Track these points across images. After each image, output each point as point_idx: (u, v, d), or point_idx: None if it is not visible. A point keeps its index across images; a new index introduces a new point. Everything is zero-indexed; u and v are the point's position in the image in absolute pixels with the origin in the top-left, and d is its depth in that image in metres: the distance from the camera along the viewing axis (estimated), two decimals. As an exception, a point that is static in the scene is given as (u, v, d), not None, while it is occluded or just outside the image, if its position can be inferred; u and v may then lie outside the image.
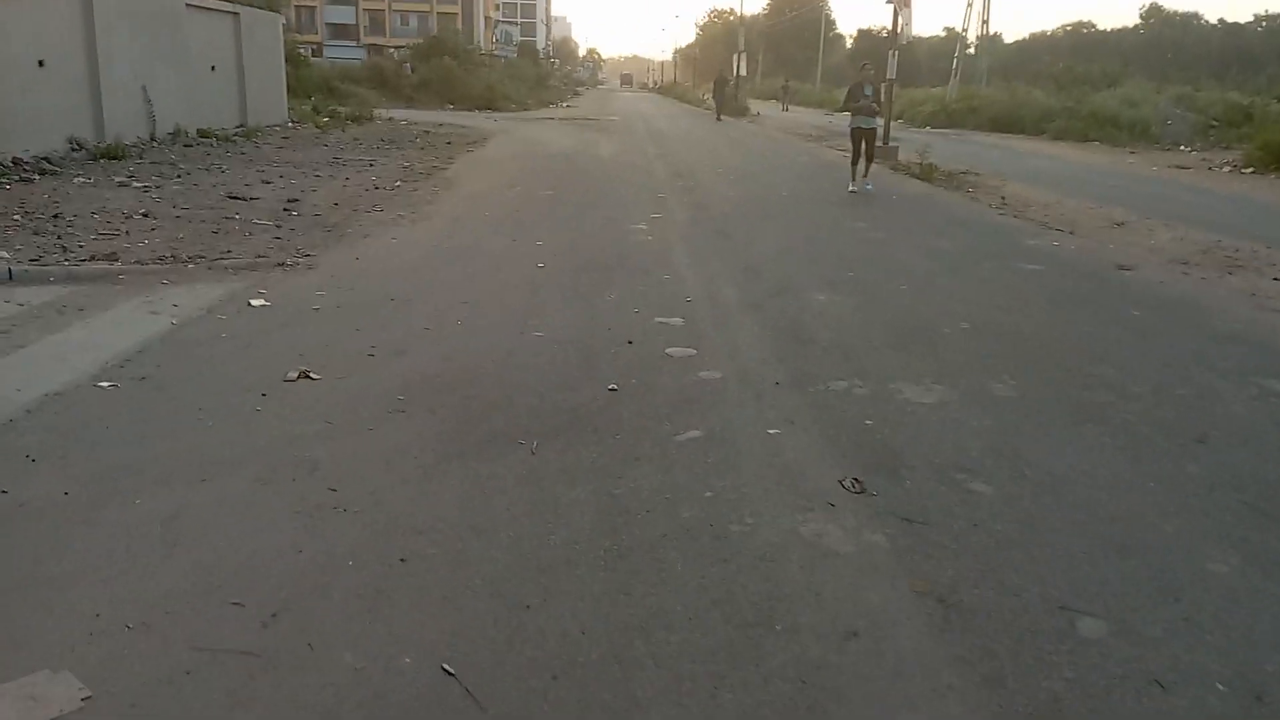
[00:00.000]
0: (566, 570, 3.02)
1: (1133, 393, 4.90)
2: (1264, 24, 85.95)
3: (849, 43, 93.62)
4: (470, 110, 35.07)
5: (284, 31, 27.99)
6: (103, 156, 13.59)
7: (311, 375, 4.83)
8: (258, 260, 7.60)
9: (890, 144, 18.83)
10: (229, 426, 4.13)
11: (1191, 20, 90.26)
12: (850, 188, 13.46)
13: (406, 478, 3.67)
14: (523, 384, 4.80)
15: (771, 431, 4.25)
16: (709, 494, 3.59)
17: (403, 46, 54.12)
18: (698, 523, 3.35)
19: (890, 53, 18.87)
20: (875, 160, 18.24)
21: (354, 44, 75.64)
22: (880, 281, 7.47)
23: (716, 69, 45.12)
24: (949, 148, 20.99)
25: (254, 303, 6.29)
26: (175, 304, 6.15)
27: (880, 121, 13.93)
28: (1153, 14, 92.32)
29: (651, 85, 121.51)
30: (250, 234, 8.89)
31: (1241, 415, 4.63)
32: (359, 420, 4.26)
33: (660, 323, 6.09)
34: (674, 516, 3.39)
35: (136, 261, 7.38)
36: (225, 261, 7.49)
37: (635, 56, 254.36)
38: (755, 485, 3.68)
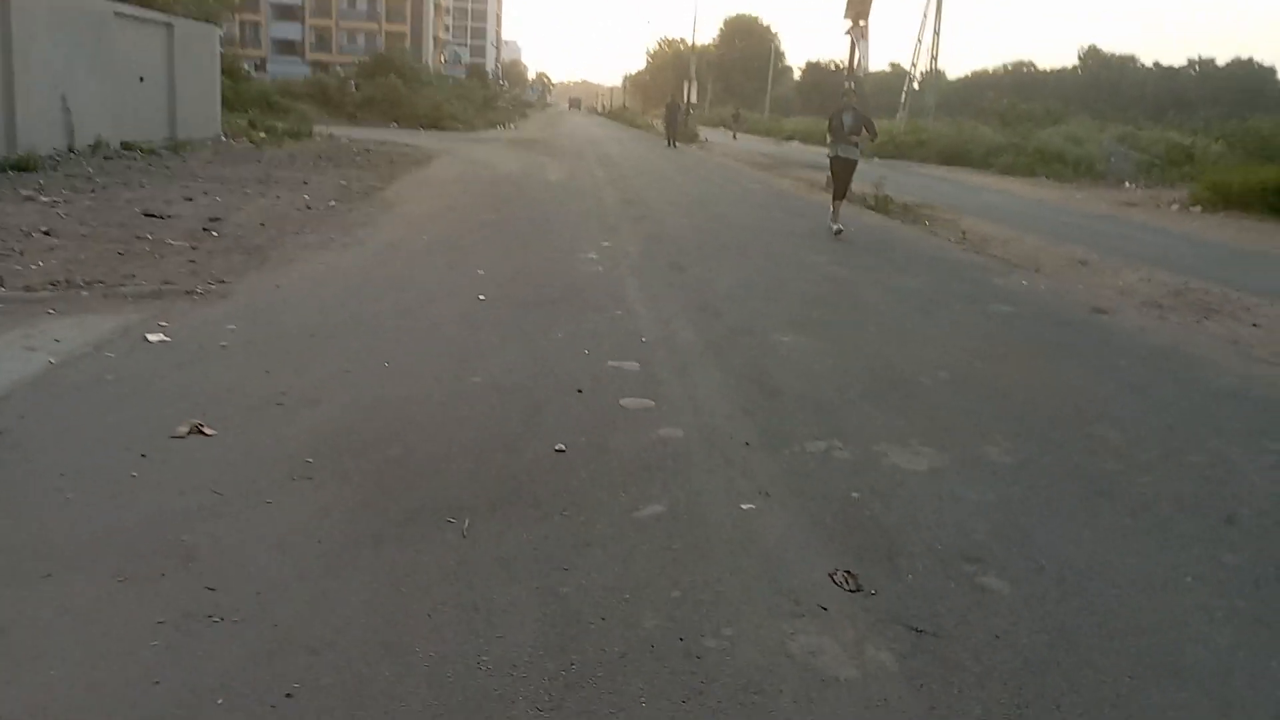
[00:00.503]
0: (501, 709, 2.36)
1: (1141, 460, 4.39)
2: (1197, 68, 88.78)
3: (797, 74, 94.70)
4: (416, 129, 34.28)
5: (223, 45, 27.08)
6: (12, 168, 12.62)
7: (205, 430, 4.11)
8: (164, 287, 6.82)
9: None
10: (93, 499, 3.40)
11: (1128, 63, 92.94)
12: (833, 226, 12.11)
13: (305, 571, 2.98)
14: (455, 442, 4.14)
15: (745, 506, 3.64)
16: (676, 593, 2.97)
17: (350, 64, 53.15)
18: (664, 635, 2.72)
19: (847, 84, 18.57)
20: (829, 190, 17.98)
21: (299, 60, 74.38)
22: (848, 323, 6.95)
23: (666, 96, 44.95)
24: (900, 179, 20.78)
25: (151, 338, 5.53)
26: (58, 339, 5.37)
27: (860, 153, 12.66)
28: (1091, 55, 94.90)
29: (600, 110, 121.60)
30: (161, 256, 8.10)
31: (1264, 488, 4.15)
32: (255, 490, 3.55)
33: (613, 367, 5.47)
34: (635, 626, 2.76)
35: (24, 287, 6.57)
36: (126, 288, 6.70)
37: (584, 81, 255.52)
38: (731, 580, 3.07)
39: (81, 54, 15.32)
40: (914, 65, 40.88)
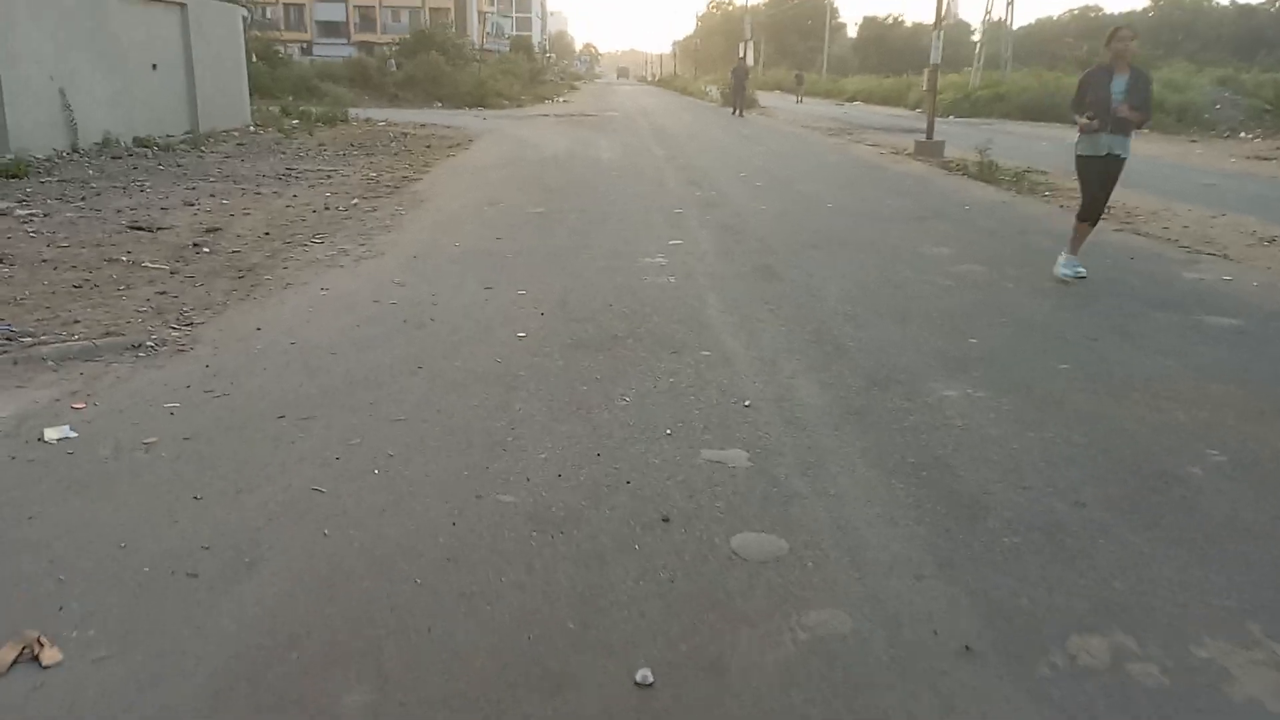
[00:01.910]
0: None
1: None
2: (1277, 5, 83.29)
3: (852, 30, 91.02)
4: (459, 109, 32.62)
5: (263, 28, 25.70)
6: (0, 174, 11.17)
7: (40, 656, 2.40)
8: (105, 340, 5.16)
9: (933, 138, 16.37)
10: None
11: (1202, 2, 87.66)
12: (1064, 271, 6.92)
13: None
14: (456, 674, 2.38)
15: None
16: None
17: (392, 43, 51.72)
18: None
19: (935, 34, 16.39)
20: (921, 157, 15.86)
21: (344, 41, 73.25)
22: (1023, 358, 5.03)
23: (716, 60, 42.63)
24: (986, 139, 18.55)
25: (50, 434, 3.86)
26: (-93, 444, 3.74)
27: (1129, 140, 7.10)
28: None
29: (650, 78, 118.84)
30: (128, 287, 6.49)
31: None
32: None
33: (711, 462, 3.67)
34: None
35: (-80, 347, 4.97)
36: (51, 344, 5.05)
37: (632, 50, 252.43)
38: None
39: (79, 42, 13.84)
40: (987, 13, 37.86)
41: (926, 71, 16.88)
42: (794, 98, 47.56)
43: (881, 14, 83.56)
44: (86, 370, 4.69)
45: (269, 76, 30.29)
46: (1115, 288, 6.67)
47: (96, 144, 14.18)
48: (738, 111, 30.91)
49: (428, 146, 17.38)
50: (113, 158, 13.71)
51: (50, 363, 4.77)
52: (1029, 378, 4.70)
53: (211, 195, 10.82)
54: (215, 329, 5.52)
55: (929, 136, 16.32)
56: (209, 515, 3.20)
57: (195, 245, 8.04)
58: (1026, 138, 22.26)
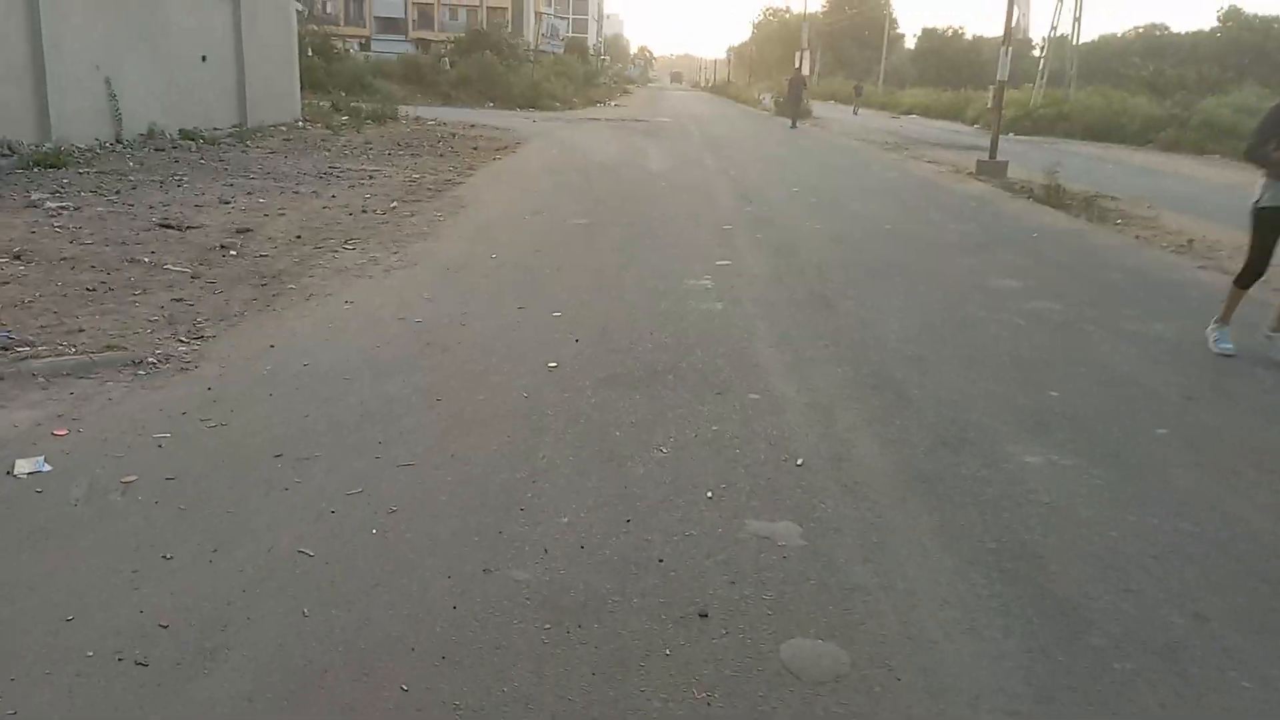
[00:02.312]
0: None
1: None
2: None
3: (910, 41, 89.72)
4: (511, 109, 32.40)
5: (306, 19, 25.61)
6: (38, 164, 11.00)
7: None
8: (104, 354, 4.79)
9: (996, 157, 15.68)
10: None
11: (1273, 24, 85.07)
12: (1223, 345, 5.69)
13: None
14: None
15: None
16: None
17: (448, 41, 51.76)
18: None
19: (1003, 49, 15.71)
20: (983, 177, 15.20)
21: (402, 38, 73.67)
22: (1114, 422, 4.46)
23: (771, 68, 41.84)
24: (1050, 159, 17.80)
25: (21, 467, 3.48)
26: None
27: None
28: (1231, 16, 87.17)
29: (703, 84, 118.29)
30: (144, 291, 6.14)
31: None
32: None
33: (759, 538, 3.17)
34: None
35: (-90, 355, 4.63)
36: (45, 359, 4.69)
37: (686, 55, 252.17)
38: None
39: (128, 31, 13.69)
40: (1053, 28, 36.83)
41: (993, 87, 16.20)
42: (848, 108, 46.80)
43: (941, 26, 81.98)
44: (78, 389, 4.31)
45: (324, 71, 30.26)
46: (1203, 338, 6.05)
47: (141, 135, 14.03)
48: (794, 124, 30.02)
49: (475, 148, 17.05)
50: (156, 150, 13.53)
51: (41, 379, 4.39)
52: (1121, 444, 4.14)
53: (249, 193, 10.53)
54: (226, 344, 5.13)
55: (992, 155, 15.65)
56: (176, 581, 2.78)
57: (223, 247, 7.71)
58: (1092, 159, 21.42)
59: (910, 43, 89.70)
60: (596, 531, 3.18)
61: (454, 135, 19.35)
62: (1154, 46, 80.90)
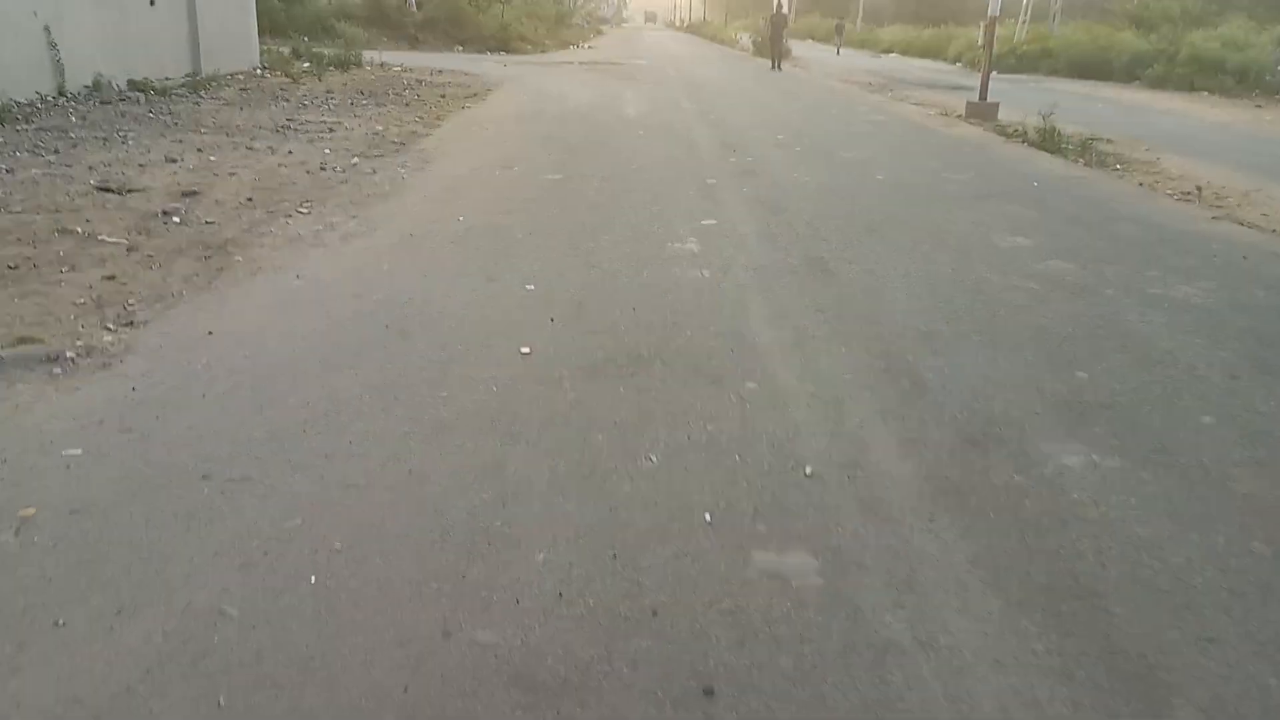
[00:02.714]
0: None
1: None
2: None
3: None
4: (481, 53, 31.30)
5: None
6: (-30, 121, 10.22)
7: None
8: (15, 350, 4.22)
9: (987, 99, 15.08)
10: None
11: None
12: None
13: None
14: None
15: None
16: None
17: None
18: None
19: (994, -18, 15.01)
20: (973, 120, 14.61)
21: (368, -21, 71.14)
22: (1155, 409, 3.99)
23: (747, 6, 40.55)
24: (1038, 99, 17.18)
25: (-107, 504, 2.93)
26: None
27: None
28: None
29: (678, 24, 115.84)
30: (73, 268, 5.55)
31: None
32: None
33: (769, 576, 2.70)
34: None
35: None
36: (-56, 358, 4.11)
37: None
38: None
39: (67, -26, 12.75)
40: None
41: (982, 24, 15.55)
42: (827, 48, 45.75)
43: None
44: (-25, 396, 3.75)
45: (284, 14, 29.05)
46: (1239, 300, 5.59)
47: (86, 87, 13.19)
48: (776, 65, 28.81)
49: (442, 96, 16.26)
50: (101, 103, 12.72)
51: (-65, 384, 3.82)
52: (1165, 437, 3.67)
53: (199, 150, 9.82)
54: (159, 332, 4.56)
55: (982, 97, 15.04)
56: (67, 660, 2.27)
57: (165, 214, 7.07)
58: (1081, 98, 20.83)
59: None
60: (577, 572, 2.69)
61: (420, 82, 18.49)
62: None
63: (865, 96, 19.82)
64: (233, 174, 8.73)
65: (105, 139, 10.11)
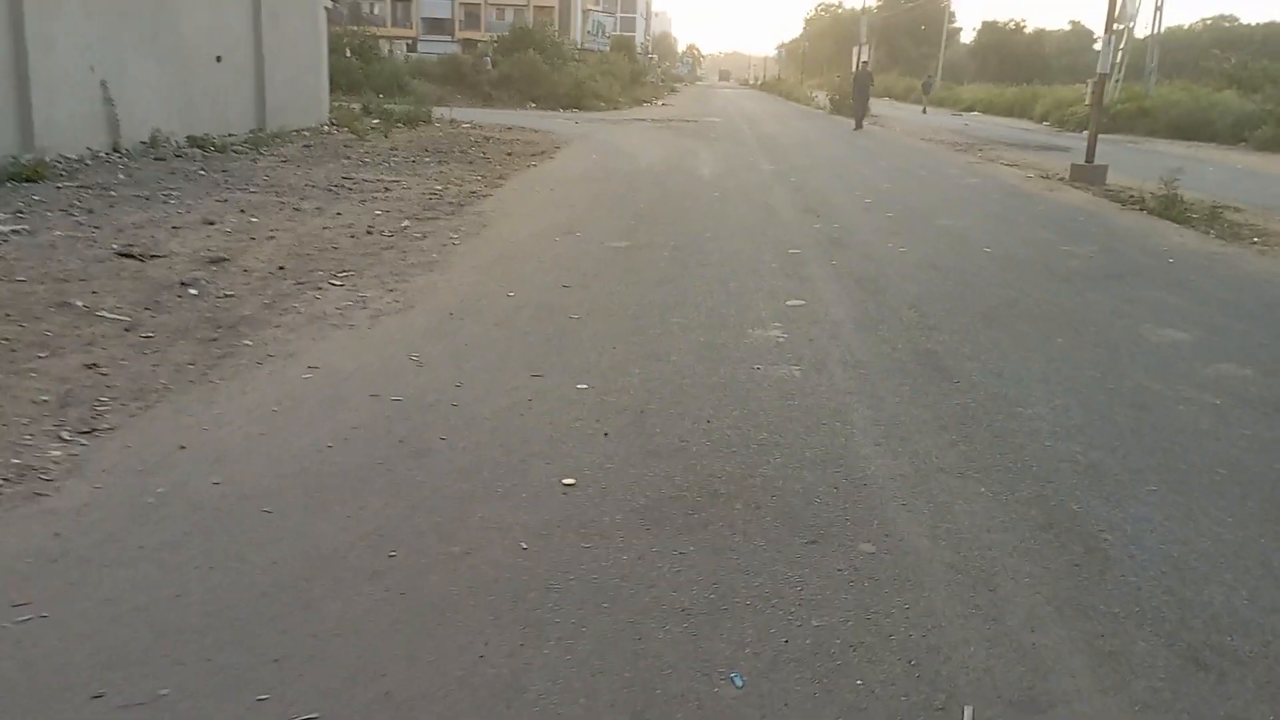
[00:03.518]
0: None
1: None
2: None
3: (967, 35, 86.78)
4: (554, 110, 31.02)
5: (345, 18, 24.51)
6: (12, 177, 9.75)
7: None
8: (-70, 471, 3.36)
9: (1094, 161, 13.87)
10: None
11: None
12: None
13: None
14: None
15: None
16: None
17: (492, 40, 50.68)
18: None
19: (1105, 37, 13.89)
20: (1079, 184, 13.42)
21: (449, 39, 72.99)
22: None
23: (822, 65, 39.57)
24: (1143, 161, 15.91)
25: None
26: None
27: None
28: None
29: (752, 82, 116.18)
30: (54, 351, 4.77)
31: None
32: None
33: None
34: None
35: None
36: None
37: (735, 52, 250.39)
38: None
39: (131, 30, 12.45)
40: (1131, 19, 34.40)
41: (1091, 82, 14.41)
42: (906, 106, 44.71)
43: (1002, 19, 79.21)
44: None
45: (362, 73, 29.16)
46: None
47: (143, 143, 12.79)
48: (859, 124, 27.18)
49: (509, 154, 15.62)
50: (156, 159, 12.28)
51: None
52: None
53: (242, 210, 9.17)
54: (121, 444, 3.69)
55: (1089, 159, 13.83)
56: None
57: (183, 284, 6.33)
58: (1188, 160, 19.40)
59: (967, 36, 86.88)
60: None
61: (488, 139, 17.95)
62: (1223, 38, 77.20)
63: (954, 156, 18.70)
64: (271, 237, 8.02)
65: (147, 198, 9.53)
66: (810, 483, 3.51)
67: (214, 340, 5.15)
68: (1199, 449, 3.92)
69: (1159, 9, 32.28)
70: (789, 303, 6.29)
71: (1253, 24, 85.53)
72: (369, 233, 8.46)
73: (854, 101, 27.32)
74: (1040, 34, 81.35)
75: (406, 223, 8.99)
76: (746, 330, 5.59)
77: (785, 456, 3.74)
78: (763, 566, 2.89)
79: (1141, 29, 34.49)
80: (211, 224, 8.46)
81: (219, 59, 14.78)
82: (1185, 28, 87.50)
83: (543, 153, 16.16)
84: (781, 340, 5.39)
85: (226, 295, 6.10)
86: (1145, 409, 4.38)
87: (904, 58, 79.04)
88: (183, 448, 3.69)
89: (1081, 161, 13.96)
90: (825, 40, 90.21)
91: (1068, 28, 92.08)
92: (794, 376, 4.76)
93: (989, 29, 77.56)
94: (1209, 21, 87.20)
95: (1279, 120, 24.84)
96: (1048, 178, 14.48)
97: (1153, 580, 2.85)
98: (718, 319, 5.83)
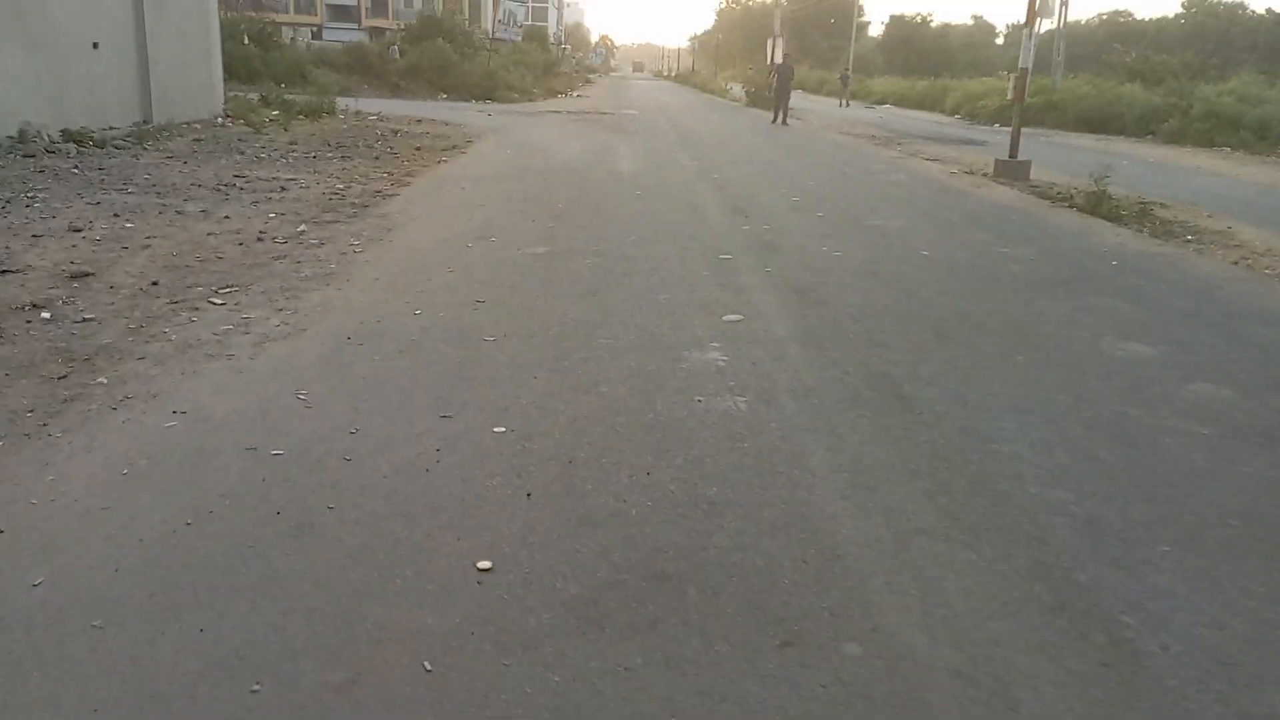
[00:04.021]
0: None
1: None
2: (1321, 12, 79.69)
3: (874, 29, 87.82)
4: (465, 101, 30.02)
5: (240, 3, 23.22)
6: None
7: None
8: None
9: (1016, 157, 13.69)
10: None
11: (1237, 10, 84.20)
12: None
13: None
14: None
15: None
16: None
17: (399, 29, 49.09)
18: None
19: (1025, 31, 13.72)
20: (1004, 180, 13.21)
21: (355, 26, 70.78)
22: None
23: (735, 56, 39.03)
24: (1059, 155, 15.83)
25: None
26: None
27: None
28: (1195, 3, 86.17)
29: (666, 73, 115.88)
30: None
31: None
32: None
33: None
34: None
35: None
36: None
37: (648, 44, 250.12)
38: None
39: (-10, 14, 11.27)
40: (1035, 15, 34.86)
41: (1013, 75, 14.23)
42: (819, 99, 44.74)
43: (909, 13, 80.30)
44: None
45: (261, 61, 27.80)
46: None
47: (9, 138, 11.63)
48: (779, 119, 25.58)
49: (418, 148, 14.78)
50: (24, 156, 11.16)
51: None
52: None
53: (115, 215, 8.25)
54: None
55: (1013, 155, 13.65)
56: None
57: (35, 305, 5.50)
58: (1100, 154, 19.54)
59: (875, 30, 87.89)
60: None
61: (395, 132, 17.04)
62: (1117, 33, 79.53)
63: (875, 151, 18.46)
64: (146, 246, 7.17)
65: (7, 200, 8.54)
66: (774, 555, 2.95)
67: (63, 378, 4.36)
68: (1201, 494, 3.47)
69: (1064, 4, 32.77)
70: (726, 318, 5.74)
71: (1145, 19, 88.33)
72: (260, 239, 7.66)
73: (775, 95, 26.26)
74: (946, 28, 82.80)
75: (303, 227, 8.20)
76: (682, 353, 5.02)
77: (741, 519, 3.17)
78: (729, 685, 2.32)
79: (1045, 24, 34.97)
80: (78, 231, 7.55)
81: (95, 45, 13.61)
82: (1083, 23, 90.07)
83: (454, 147, 15.36)
84: (722, 365, 4.83)
85: (85, 319, 5.29)
86: (1131, 444, 3.93)
87: (814, 50, 79.54)
88: (0, 532, 2.94)
89: (1003, 156, 13.75)
90: (737, 32, 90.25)
91: (970, 22, 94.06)
92: (740, 411, 4.20)
93: (897, 23, 78.62)
94: (1105, 17, 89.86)
95: (1184, 113, 25.34)
96: (972, 173, 14.28)
97: (1198, 684, 2.37)
98: (649, 339, 5.25)
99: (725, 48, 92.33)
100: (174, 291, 5.98)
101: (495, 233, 8.29)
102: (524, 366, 4.71)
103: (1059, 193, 11.59)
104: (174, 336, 5.03)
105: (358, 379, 4.47)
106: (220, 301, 5.77)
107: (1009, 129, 13.98)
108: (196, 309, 5.60)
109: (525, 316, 5.64)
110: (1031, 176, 13.30)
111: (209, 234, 7.77)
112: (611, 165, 13.94)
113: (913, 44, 75.39)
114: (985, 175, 13.87)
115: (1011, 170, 13.35)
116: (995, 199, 11.70)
